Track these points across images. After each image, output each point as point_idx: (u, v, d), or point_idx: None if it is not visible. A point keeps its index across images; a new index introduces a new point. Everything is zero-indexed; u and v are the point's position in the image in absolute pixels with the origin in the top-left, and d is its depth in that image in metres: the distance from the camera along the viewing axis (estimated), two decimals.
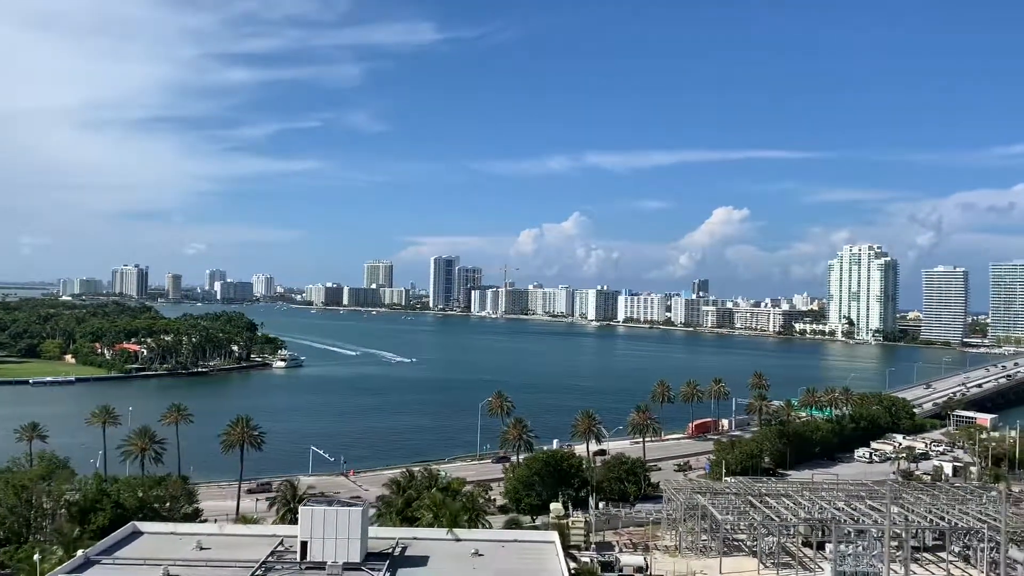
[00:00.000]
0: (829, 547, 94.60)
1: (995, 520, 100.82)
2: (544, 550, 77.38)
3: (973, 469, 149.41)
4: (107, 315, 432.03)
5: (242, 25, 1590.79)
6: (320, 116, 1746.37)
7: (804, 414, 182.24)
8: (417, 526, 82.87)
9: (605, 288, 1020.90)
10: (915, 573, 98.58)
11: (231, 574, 66.59)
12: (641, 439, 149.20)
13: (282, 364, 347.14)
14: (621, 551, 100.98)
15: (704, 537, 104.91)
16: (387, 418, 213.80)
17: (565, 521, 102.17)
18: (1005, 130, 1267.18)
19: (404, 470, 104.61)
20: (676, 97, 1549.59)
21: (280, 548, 71.24)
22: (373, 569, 68.18)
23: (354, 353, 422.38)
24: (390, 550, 74.47)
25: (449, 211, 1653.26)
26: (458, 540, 79.31)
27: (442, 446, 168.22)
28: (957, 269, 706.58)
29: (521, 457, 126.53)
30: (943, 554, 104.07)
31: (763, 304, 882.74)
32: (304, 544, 69.69)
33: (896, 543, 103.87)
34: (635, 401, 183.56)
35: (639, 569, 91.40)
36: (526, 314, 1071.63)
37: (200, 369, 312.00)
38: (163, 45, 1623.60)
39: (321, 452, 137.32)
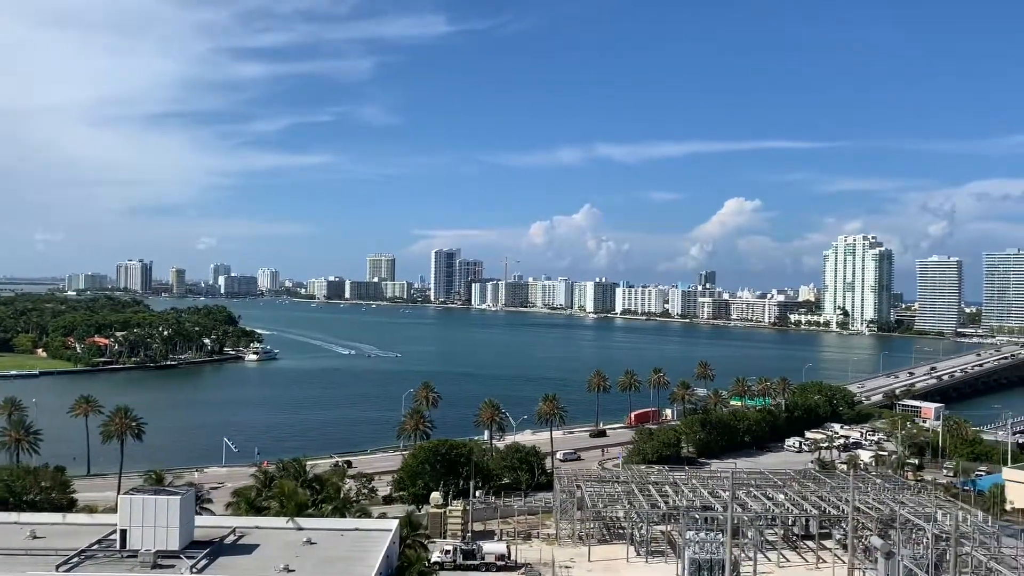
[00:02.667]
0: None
1: (879, 506, 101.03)
2: (379, 538, 78.20)
3: (894, 458, 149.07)
4: (90, 309, 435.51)
5: (254, 20, 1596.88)
6: (332, 110, 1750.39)
7: (744, 403, 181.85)
8: (265, 515, 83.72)
9: (603, 280, 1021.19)
10: (787, 560, 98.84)
11: (45, 562, 67.85)
12: (593, 429, 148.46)
13: (254, 357, 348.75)
14: (502, 539, 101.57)
15: (587, 525, 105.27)
16: (334, 410, 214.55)
17: (442, 510, 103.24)
18: (1020, 118, 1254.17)
19: (288, 461, 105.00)
20: (687, 88, 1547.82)
21: (112, 536, 72.12)
22: (190, 557, 68.92)
23: (335, 347, 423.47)
24: (220, 539, 75.49)
25: (460, 204, 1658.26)
26: (299, 529, 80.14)
27: (374, 438, 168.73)
28: (951, 259, 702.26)
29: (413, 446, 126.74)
30: (828, 542, 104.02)
31: (769, 295, 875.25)
32: (124, 532, 70.66)
33: (768, 531, 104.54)
34: (601, 392, 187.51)
35: (500, 557, 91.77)
36: (526, 307, 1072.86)
37: (169, 363, 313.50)
38: (175, 40, 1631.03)
39: (230, 444, 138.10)
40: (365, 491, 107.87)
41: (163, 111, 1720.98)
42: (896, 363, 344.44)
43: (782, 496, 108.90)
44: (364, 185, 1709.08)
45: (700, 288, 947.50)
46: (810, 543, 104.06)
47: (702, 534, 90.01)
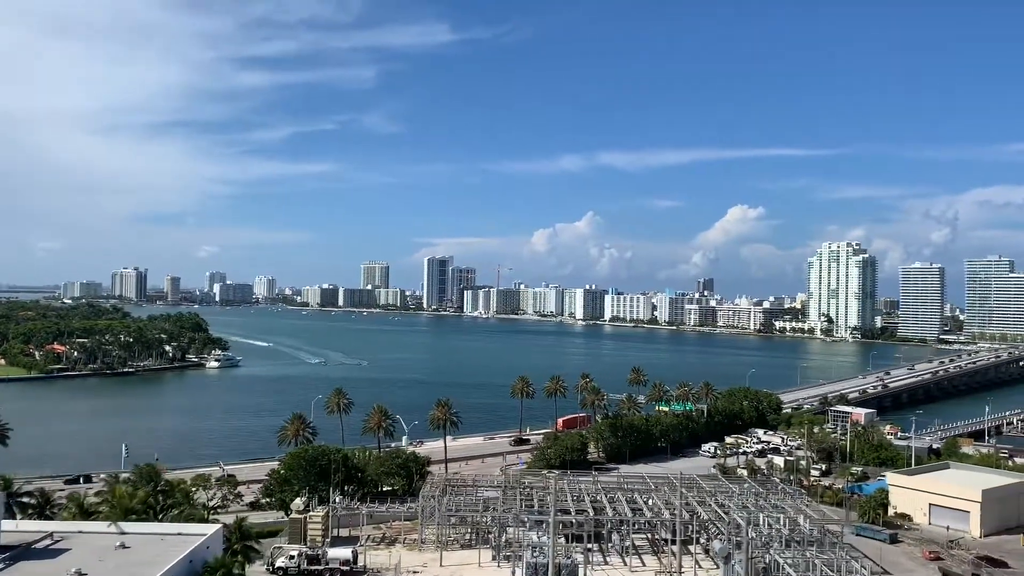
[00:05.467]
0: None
1: (739, 511, 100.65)
2: (191, 543, 78.36)
3: (803, 463, 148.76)
4: (61, 316, 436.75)
5: (257, 28, 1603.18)
6: (335, 118, 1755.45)
7: (669, 408, 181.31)
8: (93, 520, 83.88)
9: (593, 288, 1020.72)
10: (643, 565, 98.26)
11: None
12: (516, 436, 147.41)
13: (216, 364, 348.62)
14: (363, 545, 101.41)
15: (453, 531, 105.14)
16: (263, 417, 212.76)
17: (303, 516, 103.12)
18: (1021, 126, 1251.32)
19: (145, 466, 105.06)
20: (689, 95, 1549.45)
21: None
22: None
23: (305, 355, 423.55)
24: (29, 543, 75.79)
25: (462, 213, 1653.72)
26: (122, 533, 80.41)
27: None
28: (934, 266, 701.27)
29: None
30: (695, 547, 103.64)
31: (754, 302, 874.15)
32: None
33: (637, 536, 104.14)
34: (557, 399, 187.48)
35: (345, 562, 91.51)
36: (517, 314, 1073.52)
37: (127, 370, 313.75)
38: (178, 49, 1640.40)
39: (124, 450, 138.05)
40: (231, 497, 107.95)
41: (165, 120, 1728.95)
42: (879, 366, 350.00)
43: (653, 500, 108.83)
44: (366, 193, 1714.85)
45: (698, 295, 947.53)
46: (675, 548, 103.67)
47: (545, 538, 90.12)
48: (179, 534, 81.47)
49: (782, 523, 78.33)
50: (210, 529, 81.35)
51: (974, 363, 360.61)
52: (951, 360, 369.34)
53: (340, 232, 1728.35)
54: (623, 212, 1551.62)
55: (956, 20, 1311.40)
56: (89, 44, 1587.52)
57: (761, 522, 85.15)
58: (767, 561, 74.45)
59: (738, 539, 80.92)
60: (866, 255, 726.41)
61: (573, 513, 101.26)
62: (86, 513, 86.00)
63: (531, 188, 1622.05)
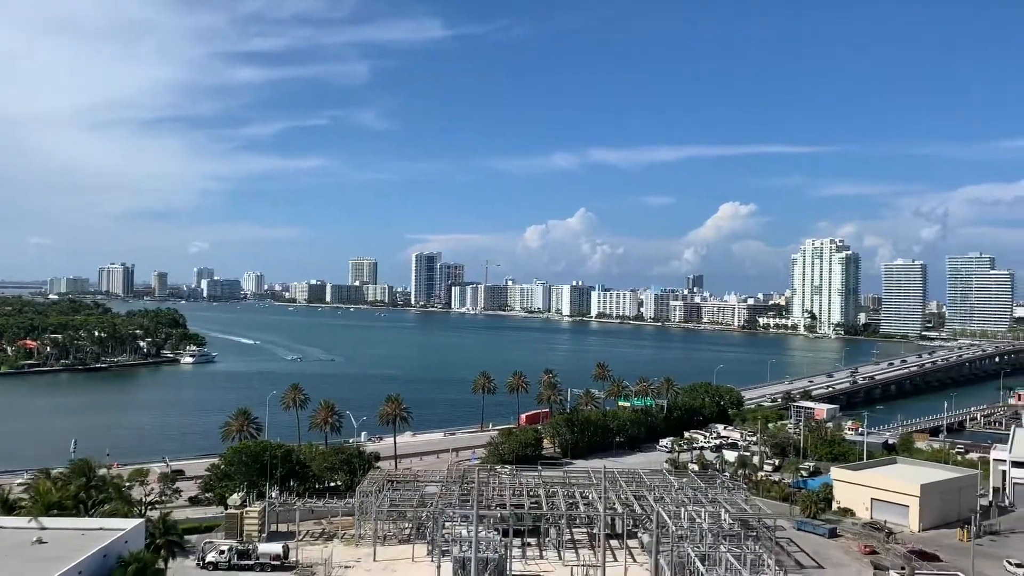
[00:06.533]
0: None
1: (684, 505, 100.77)
2: (108, 537, 78.10)
3: (756, 459, 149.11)
4: (38, 312, 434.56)
5: (250, 24, 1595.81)
6: (327, 114, 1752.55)
7: (630, 404, 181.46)
8: (16, 515, 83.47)
9: (580, 284, 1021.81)
10: (578, 559, 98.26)
11: None
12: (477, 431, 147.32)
13: (190, 360, 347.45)
14: (300, 540, 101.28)
15: (393, 526, 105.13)
16: (223, 413, 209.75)
17: (240, 511, 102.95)
18: (1011, 123, 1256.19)
19: (79, 462, 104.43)
20: (682, 92, 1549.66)
21: None
22: None
23: (282, 350, 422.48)
24: None
25: (455, 209, 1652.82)
26: (42, 528, 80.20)
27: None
28: (915, 263, 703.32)
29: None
30: (633, 541, 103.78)
31: (739, 298, 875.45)
32: None
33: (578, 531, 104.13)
34: (520, 394, 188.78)
35: (276, 557, 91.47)
36: (504, 310, 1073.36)
37: (99, 365, 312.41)
38: (171, 45, 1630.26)
39: (73, 445, 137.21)
40: (168, 492, 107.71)
41: (158, 116, 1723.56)
42: (854, 362, 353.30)
43: (592, 495, 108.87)
44: (358, 190, 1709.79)
45: (685, 292, 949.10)
46: (614, 542, 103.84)
47: (479, 532, 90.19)
48: (100, 529, 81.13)
49: (703, 516, 78.45)
50: (130, 524, 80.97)
51: (947, 360, 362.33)
52: (919, 356, 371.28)
53: (332, 229, 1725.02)
54: (615, 209, 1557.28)
55: (949, 18, 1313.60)
56: (83, 43, 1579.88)
57: (682, 516, 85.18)
58: (681, 554, 74.63)
59: (659, 532, 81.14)
60: (849, 252, 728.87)
61: (508, 507, 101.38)
62: (8, 508, 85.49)
63: (524, 185, 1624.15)
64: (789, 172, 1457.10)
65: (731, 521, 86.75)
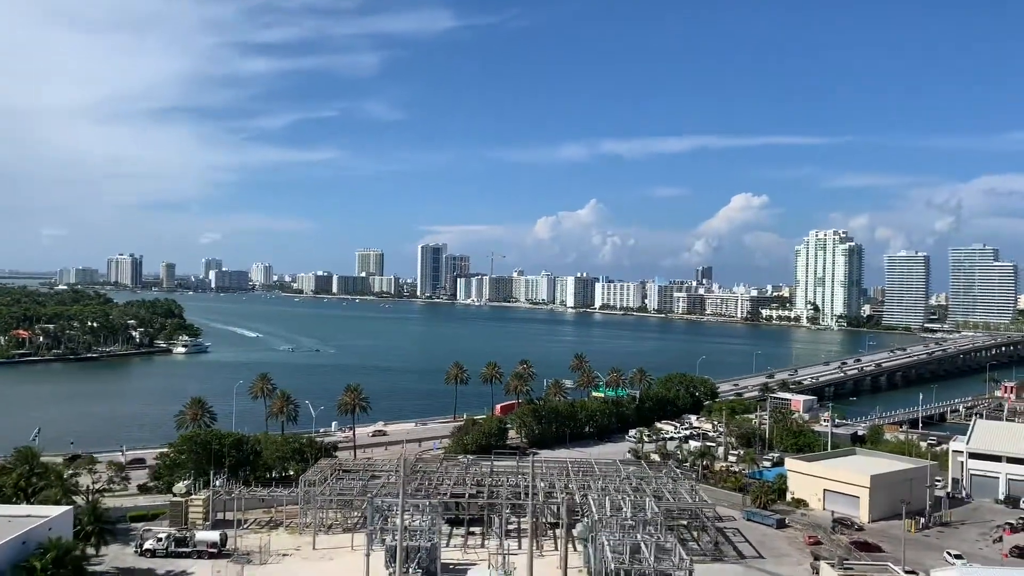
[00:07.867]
0: None
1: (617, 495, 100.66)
2: (34, 523, 78.77)
3: (720, 450, 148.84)
4: (37, 302, 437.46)
5: (260, 15, 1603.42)
6: (337, 105, 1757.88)
7: (604, 394, 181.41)
8: None
9: (584, 275, 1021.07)
10: (519, 548, 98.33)
11: None
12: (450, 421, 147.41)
13: (183, 350, 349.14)
14: (246, 528, 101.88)
15: (338, 514, 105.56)
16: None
17: (184, 499, 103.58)
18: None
19: (22, 449, 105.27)
20: (693, 84, 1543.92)
21: None
22: None
23: (278, 341, 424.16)
24: None
25: (465, 200, 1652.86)
26: None
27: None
28: (919, 254, 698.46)
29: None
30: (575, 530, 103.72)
31: (742, 289, 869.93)
32: None
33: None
34: (494, 384, 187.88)
35: (213, 544, 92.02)
36: (509, 302, 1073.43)
37: (91, 355, 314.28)
38: (182, 36, 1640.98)
39: (33, 435, 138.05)
40: (117, 481, 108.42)
41: (169, 106, 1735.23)
42: (852, 353, 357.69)
43: (541, 485, 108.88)
44: (368, 181, 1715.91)
45: (694, 283, 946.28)
46: (558, 531, 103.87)
47: (416, 522, 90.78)
48: (27, 516, 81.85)
49: (626, 504, 78.50)
50: (56, 511, 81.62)
51: (943, 350, 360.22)
52: (905, 348, 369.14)
53: (341, 220, 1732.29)
54: (626, 200, 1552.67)
55: (966, 10, 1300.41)
56: (94, 35, 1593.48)
57: (607, 505, 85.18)
58: (600, 542, 74.79)
59: (581, 520, 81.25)
60: (852, 243, 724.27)
61: (450, 496, 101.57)
62: None
63: (534, 176, 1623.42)
64: (801, 163, 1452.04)
65: (656, 510, 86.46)
